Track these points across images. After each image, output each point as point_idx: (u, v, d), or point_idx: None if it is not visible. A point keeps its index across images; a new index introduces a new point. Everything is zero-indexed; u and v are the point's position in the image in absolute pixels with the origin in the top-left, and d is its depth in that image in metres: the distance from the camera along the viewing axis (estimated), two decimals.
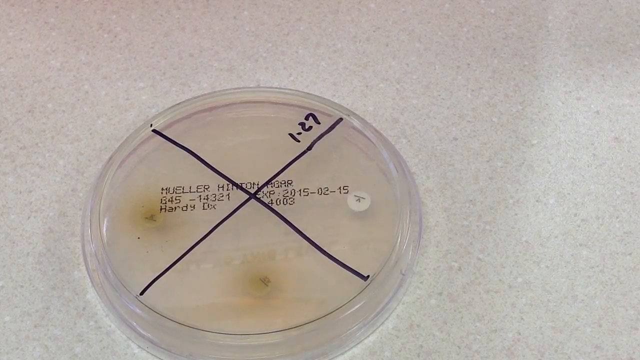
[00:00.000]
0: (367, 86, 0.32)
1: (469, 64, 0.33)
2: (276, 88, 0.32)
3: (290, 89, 0.31)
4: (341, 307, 0.25)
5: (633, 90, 0.32)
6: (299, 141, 0.30)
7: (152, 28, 0.34)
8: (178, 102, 0.31)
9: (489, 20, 0.35)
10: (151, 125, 0.30)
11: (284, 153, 0.29)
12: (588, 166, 0.30)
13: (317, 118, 0.30)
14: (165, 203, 0.28)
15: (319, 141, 0.30)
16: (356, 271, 0.26)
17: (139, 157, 0.29)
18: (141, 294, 0.26)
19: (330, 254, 0.27)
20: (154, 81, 0.33)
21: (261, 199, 0.28)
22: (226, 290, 0.26)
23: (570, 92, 0.32)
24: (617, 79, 0.33)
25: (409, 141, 0.31)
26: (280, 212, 0.28)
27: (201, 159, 0.29)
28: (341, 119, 0.30)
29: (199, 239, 0.27)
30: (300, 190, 0.28)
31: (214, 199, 0.28)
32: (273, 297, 0.26)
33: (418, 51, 0.34)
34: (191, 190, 0.28)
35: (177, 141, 0.30)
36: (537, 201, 0.29)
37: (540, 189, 0.29)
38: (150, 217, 0.28)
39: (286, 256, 0.27)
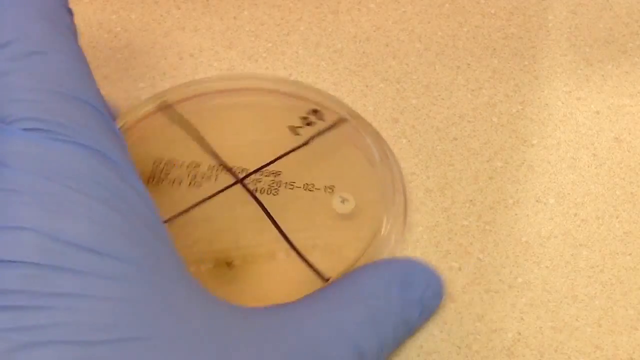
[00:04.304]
0: (367, 86, 0.32)
1: (469, 64, 0.33)
2: (290, 80, 0.32)
3: (303, 83, 0.31)
4: None
5: (633, 90, 0.32)
6: (298, 134, 0.30)
7: (152, 28, 0.34)
8: (193, 79, 0.32)
9: (489, 20, 0.35)
10: (163, 97, 0.30)
11: (281, 144, 0.29)
12: (588, 166, 0.30)
13: (321, 114, 0.30)
14: (155, 174, 0.29)
15: (317, 137, 0.30)
16: (319, 272, 0.26)
17: (142, 126, 0.30)
18: None
19: (299, 250, 0.27)
20: (154, 81, 0.32)
21: (247, 185, 0.28)
22: (190, 268, 0.26)
23: (570, 92, 0.32)
24: (617, 79, 0.33)
25: (409, 141, 0.31)
26: (261, 201, 0.28)
27: (201, 137, 0.30)
28: (345, 119, 0.30)
29: (176, 213, 0.28)
30: (286, 183, 0.28)
31: (201, 177, 0.28)
32: (234, 283, 0.26)
33: (418, 51, 0.34)
34: (182, 166, 0.29)
35: (184, 117, 0.30)
36: (537, 201, 0.29)
37: (540, 189, 0.29)
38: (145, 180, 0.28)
39: (256, 246, 0.27)
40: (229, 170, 0.29)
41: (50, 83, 0.21)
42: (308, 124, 0.30)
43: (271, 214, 0.27)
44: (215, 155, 0.29)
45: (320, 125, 0.30)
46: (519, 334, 0.26)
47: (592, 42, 0.34)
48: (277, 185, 0.28)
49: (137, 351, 0.18)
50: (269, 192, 0.28)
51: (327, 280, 0.26)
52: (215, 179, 0.28)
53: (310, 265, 0.26)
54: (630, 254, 0.28)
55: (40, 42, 0.21)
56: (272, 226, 0.27)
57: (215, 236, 0.27)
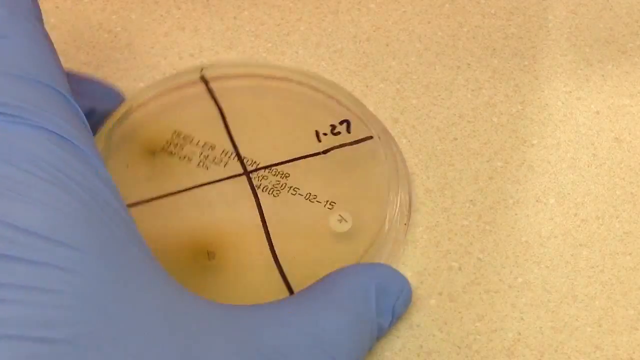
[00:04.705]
0: (367, 86, 0.32)
1: (469, 64, 0.33)
2: (335, 84, 0.31)
3: (346, 90, 0.30)
4: None
5: (633, 90, 0.32)
6: (320, 141, 0.29)
7: (152, 28, 0.34)
8: (236, 58, 0.32)
9: (489, 20, 0.35)
10: (202, 70, 0.30)
11: (300, 146, 0.29)
12: (588, 166, 0.30)
13: (350, 127, 0.29)
14: (169, 146, 0.28)
15: (337, 149, 0.29)
16: (290, 285, 0.25)
17: (174, 94, 0.30)
18: None
19: (279, 259, 0.26)
20: (154, 81, 0.32)
21: (252, 179, 0.28)
22: (173, 247, 0.26)
23: (570, 92, 0.32)
24: (617, 79, 0.33)
25: (409, 141, 0.31)
26: (260, 199, 0.27)
27: (225, 120, 0.29)
28: (371, 137, 0.29)
29: (174, 191, 0.27)
30: (290, 187, 0.28)
31: (212, 160, 0.28)
32: (210, 275, 0.26)
33: (418, 51, 0.34)
34: (198, 145, 0.28)
35: (215, 95, 0.30)
36: (537, 201, 0.29)
37: (540, 189, 0.29)
38: (151, 152, 0.28)
39: (240, 243, 0.26)
40: (241, 160, 0.28)
41: (10, 67, 0.20)
42: (334, 133, 0.29)
43: (265, 214, 0.27)
44: (232, 142, 0.29)
45: (345, 137, 0.29)
46: (519, 334, 0.26)
47: (592, 42, 0.34)
48: (281, 187, 0.28)
49: (90, 347, 0.17)
50: (270, 192, 0.28)
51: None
52: (225, 165, 0.28)
53: (283, 275, 0.26)
54: (630, 254, 0.28)
55: (0, 27, 0.21)
56: (261, 227, 0.27)
57: (204, 223, 0.27)
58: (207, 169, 0.28)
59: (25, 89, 0.20)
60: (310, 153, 0.29)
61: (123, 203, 0.21)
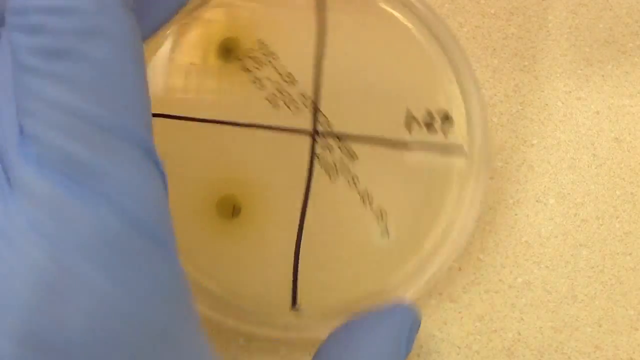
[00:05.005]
0: None
1: None
2: (464, 55, 0.26)
3: (472, 72, 0.25)
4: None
5: (633, 90, 0.32)
6: (409, 130, 0.23)
7: None
8: None
9: (489, 20, 0.35)
10: None
11: (385, 123, 0.23)
12: (588, 166, 0.30)
13: (450, 128, 0.24)
14: (245, 55, 0.23)
15: (422, 151, 0.23)
16: (295, 292, 0.22)
17: (288, 9, 0.23)
18: None
19: (300, 248, 0.22)
20: None
21: (316, 144, 0.23)
22: (198, 188, 0.22)
23: (570, 92, 0.32)
24: (617, 79, 0.33)
25: None
26: (312, 175, 0.23)
27: (320, 59, 0.23)
28: (464, 151, 0.24)
29: (227, 120, 0.22)
30: (351, 175, 0.23)
31: (284, 98, 0.23)
32: (225, 233, 0.22)
33: None
34: (277, 71, 0.23)
35: (327, 29, 0.23)
36: (537, 201, 0.29)
37: (540, 189, 0.29)
38: (227, 50, 0.23)
39: (270, 212, 0.22)
40: (315, 112, 0.23)
41: (76, 105, 0.14)
42: (427, 125, 0.23)
43: (309, 195, 0.22)
44: (316, 82, 0.23)
45: (437, 138, 0.23)
46: (519, 334, 0.26)
47: (592, 42, 0.34)
48: (341, 170, 0.23)
49: None
50: (327, 172, 0.23)
51: (295, 306, 0.22)
52: (295, 111, 0.23)
53: (294, 283, 0.22)
54: (630, 254, 0.28)
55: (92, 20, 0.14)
56: (300, 207, 0.22)
57: (240, 172, 0.22)
58: (274, 106, 0.22)
59: (101, 139, 0.14)
60: (392, 139, 0.23)
61: (192, 305, 0.16)
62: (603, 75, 0.33)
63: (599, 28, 0.35)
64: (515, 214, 0.29)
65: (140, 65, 0.15)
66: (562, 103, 0.32)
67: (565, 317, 0.26)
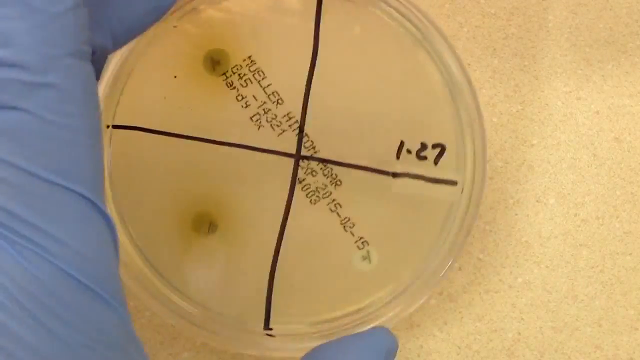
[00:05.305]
0: None
1: (469, 64, 0.33)
2: (467, 78, 0.25)
3: (473, 92, 0.24)
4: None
5: (633, 90, 0.32)
6: (398, 158, 0.23)
7: None
8: None
9: (489, 20, 0.35)
10: None
11: (373, 154, 0.23)
12: (588, 166, 0.30)
13: (442, 158, 0.23)
14: (234, 74, 0.22)
15: (409, 178, 0.23)
16: (268, 318, 0.22)
17: (285, 19, 0.23)
18: None
19: (276, 270, 0.22)
20: None
21: (299, 168, 0.22)
22: (176, 203, 0.22)
23: (570, 92, 0.32)
24: (617, 79, 0.33)
25: None
26: (294, 198, 0.22)
27: (310, 79, 0.22)
28: (455, 182, 0.23)
29: (209, 138, 0.22)
30: (332, 200, 0.22)
31: (270, 118, 0.22)
32: (200, 249, 0.22)
33: None
34: (264, 87, 0.22)
35: (319, 43, 0.22)
36: (537, 201, 0.29)
37: (540, 189, 0.29)
38: (213, 63, 0.22)
39: (247, 233, 0.22)
40: (301, 136, 0.22)
41: (17, 154, 0.14)
42: (419, 157, 0.23)
43: (289, 217, 0.22)
44: (304, 111, 0.22)
45: (426, 168, 0.23)
46: (519, 334, 0.26)
47: (592, 42, 0.34)
48: (324, 195, 0.22)
49: None
50: (309, 195, 0.22)
51: (269, 329, 0.22)
52: (280, 134, 0.22)
53: (267, 305, 0.22)
54: (630, 254, 0.28)
55: (17, 92, 0.14)
56: (278, 229, 0.22)
57: (219, 189, 0.22)
58: (258, 126, 0.22)
59: (45, 194, 0.14)
60: (378, 168, 0.23)
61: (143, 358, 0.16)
62: (603, 75, 0.33)
63: (599, 28, 0.35)
64: (515, 214, 0.29)
65: (90, 117, 0.15)
66: (562, 103, 0.32)
67: (565, 317, 0.26)
